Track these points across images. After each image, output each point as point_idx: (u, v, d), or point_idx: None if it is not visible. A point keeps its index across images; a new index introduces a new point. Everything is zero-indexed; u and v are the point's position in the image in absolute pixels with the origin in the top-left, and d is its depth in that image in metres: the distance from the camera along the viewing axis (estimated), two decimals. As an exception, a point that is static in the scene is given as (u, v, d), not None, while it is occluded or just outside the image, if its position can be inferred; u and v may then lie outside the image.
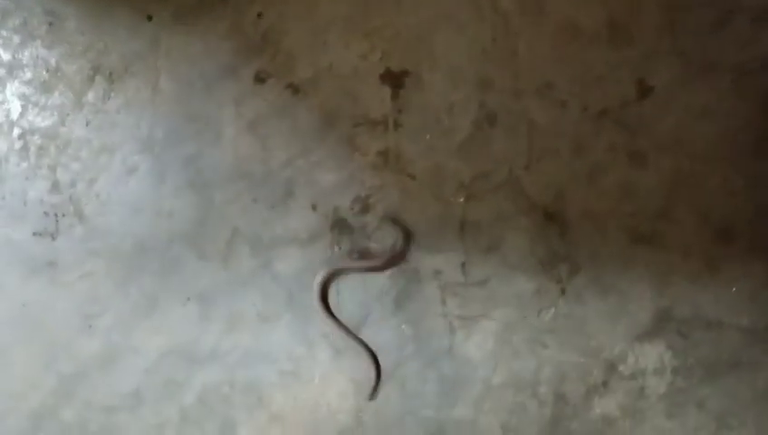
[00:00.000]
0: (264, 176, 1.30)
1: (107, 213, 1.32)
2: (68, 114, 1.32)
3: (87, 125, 1.32)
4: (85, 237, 1.32)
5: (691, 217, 1.25)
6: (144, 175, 1.32)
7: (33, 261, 1.32)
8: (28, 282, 1.32)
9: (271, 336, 1.30)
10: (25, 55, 1.33)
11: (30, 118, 1.33)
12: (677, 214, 1.25)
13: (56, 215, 1.32)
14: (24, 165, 1.33)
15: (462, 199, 1.28)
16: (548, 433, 1.26)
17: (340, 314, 1.29)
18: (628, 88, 1.26)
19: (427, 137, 1.29)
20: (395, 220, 1.28)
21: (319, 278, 1.28)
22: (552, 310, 1.26)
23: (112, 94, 1.32)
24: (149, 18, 1.32)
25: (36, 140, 1.33)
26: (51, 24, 1.33)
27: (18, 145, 1.33)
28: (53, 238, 1.32)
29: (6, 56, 1.33)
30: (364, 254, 1.29)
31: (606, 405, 1.25)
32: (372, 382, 1.27)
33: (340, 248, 1.30)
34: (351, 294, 1.29)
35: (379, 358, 1.28)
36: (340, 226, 1.30)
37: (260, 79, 1.31)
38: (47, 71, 1.33)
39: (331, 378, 1.30)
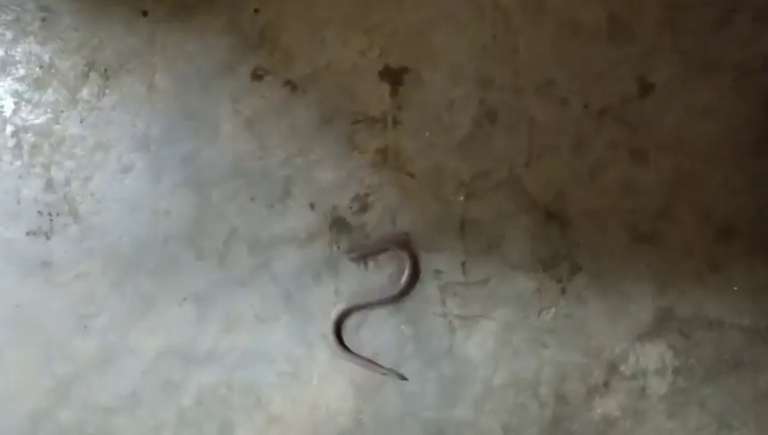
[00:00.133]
0: (262, 174, 1.29)
1: (102, 212, 1.31)
2: (62, 111, 1.31)
3: (81, 122, 1.31)
4: (80, 237, 1.31)
5: (692, 216, 1.24)
6: (140, 173, 1.30)
7: (27, 261, 1.31)
8: (22, 282, 1.31)
9: (269, 337, 1.29)
10: (18, 51, 1.31)
11: (23, 115, 1.31)
12: (678, 213, 1.25)
13: (50, 214, 1.31)
14: (18, 163, 1.31)
15: (462, 198, 1.27)
16: (549, 434, 1.25)
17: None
18: (629, 85, 1.26)
19: (427, 134, 1.28)
20: (399, 241, 1.26)
21: (334, 315, 1.27)
22: (553, 310, 1.26)
23: (107, 91, 1.31)
24: (145, 14, 1.30)
25: (30, 137, 1.31)
26: (44, 19, 1.31)
27: (11, 143, 1.31)
28: (48, 238, 1.31)
29: (-1, 52, 1.31)
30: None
31: (607, 405, 1.25)
32: None
33: (338, 248, 1.29)
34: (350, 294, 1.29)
35: (379, 359, 1.27)
36: (338, 225, 1.29)
37: (257, 76, 1.29)
38: (40, 67, 1.31)
39: (331, 379, 1.29)
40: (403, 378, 1.26)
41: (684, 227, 1.24)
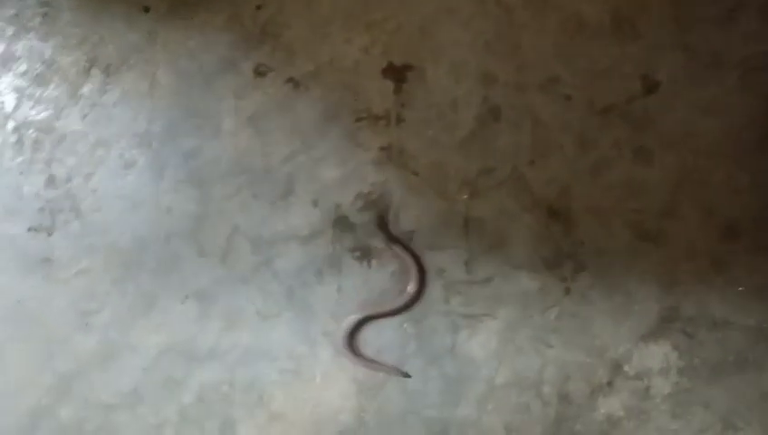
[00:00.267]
0: (264, 171, 1.29)
1: (104, 208, 1.30)
2: (64, 107, 1.30)
3: (83, 119, 1.30)
4: (82, 233, 1.30)
5: (696, 214, 1.24)
6: (142, 170, 1.30)
7: (28, 257, 1.31)
8: (23, 278, 1.31)
9: (271, 334, 1.29)
10: (19, 47, 1.31)
11: (25, 111, 1.31)
12: (682, 211, 1.24)
13: (52, 210, 1.30)
14: (19, 159, 1.31)
15: (466, 196, 1.27)
16: (552, 433, 1.25)
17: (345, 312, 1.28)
18: (634, 83, 1.25)
19: (430, 132, 1.28)
20: (407, 249, 1.26)
21: (346, 326, 1.26)
22: (557, 309, 1.25)
23: (109, 87, 1.31)
24: (146, 10, 1.30)
25: (31, 133, 1.30)
26: (45, 15, 1.31)
27: (13, 139, 1.31)
28: (49, 234, 1.31)
29: None
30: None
31: (611, 405, 1.24)
32: None
33: (340, 246, 1.28)
34: (354, 292, 1.28)
35: (382, 357, 1.27)
36: (341, 223, 1.28)
37: (260, 72, 1.29)
38: (42, 63, 1.31)
39: (333, 377, 1.28)
40: (407, 375, 1.26)
41: (688, 224, 1.23)
